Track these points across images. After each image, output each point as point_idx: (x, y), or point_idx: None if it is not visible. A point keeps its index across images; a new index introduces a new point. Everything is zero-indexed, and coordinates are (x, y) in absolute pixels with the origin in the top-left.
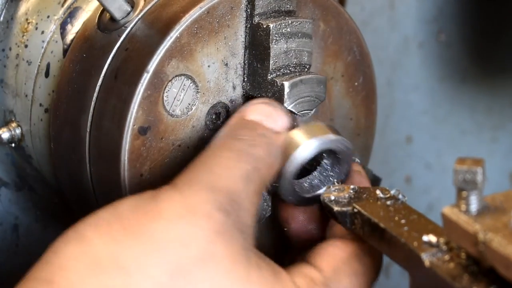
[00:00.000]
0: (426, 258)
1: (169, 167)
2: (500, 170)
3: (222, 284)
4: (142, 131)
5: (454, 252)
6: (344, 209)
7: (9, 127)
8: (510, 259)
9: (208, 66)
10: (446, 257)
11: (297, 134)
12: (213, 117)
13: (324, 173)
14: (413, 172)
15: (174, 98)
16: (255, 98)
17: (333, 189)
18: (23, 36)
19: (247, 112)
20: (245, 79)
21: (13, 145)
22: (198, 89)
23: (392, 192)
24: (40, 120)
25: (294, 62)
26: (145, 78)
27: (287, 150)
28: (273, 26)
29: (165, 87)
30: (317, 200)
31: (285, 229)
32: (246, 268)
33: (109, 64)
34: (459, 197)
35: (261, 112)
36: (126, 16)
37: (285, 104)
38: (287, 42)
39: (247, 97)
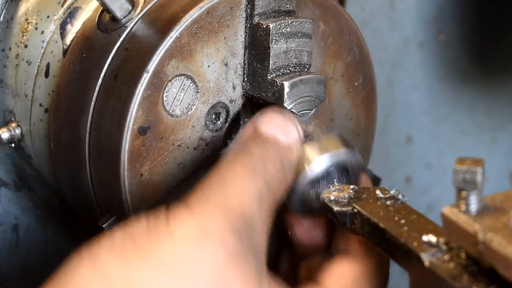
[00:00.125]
0: (426, 258)
1: (169, 167)
2: (500, 170)
3: None
4: (142, 131)
5: (454, 252)
6: (344, 209)
7: (9, 127)
8: (510, 259)
9: (208, 66)
10: (446, 257)
11: (310, 149)
12: (213, 117)
13: (332, 184)
14: (413, 172)
15: (174, 98)
16: (256, 98)
17: (333, 189)
18: (23, 36)
19: (261, 124)
20: (245, 79)
21: (13, 145)
22: (198, 89)
23: (392, 192)
24: (40, 120)
25: (294, 62)
26: (145, 78)
27: (299, 165)
28: (273, 26)
29: (165, 87)
30: (323, 210)
31: (289, 234)
32: None
33: (109, 64)
34: (459, 197)
35: (275, 124)
36: (126, 16)
37: (285, 104)
38: (287, 42)
39: (247, 97)
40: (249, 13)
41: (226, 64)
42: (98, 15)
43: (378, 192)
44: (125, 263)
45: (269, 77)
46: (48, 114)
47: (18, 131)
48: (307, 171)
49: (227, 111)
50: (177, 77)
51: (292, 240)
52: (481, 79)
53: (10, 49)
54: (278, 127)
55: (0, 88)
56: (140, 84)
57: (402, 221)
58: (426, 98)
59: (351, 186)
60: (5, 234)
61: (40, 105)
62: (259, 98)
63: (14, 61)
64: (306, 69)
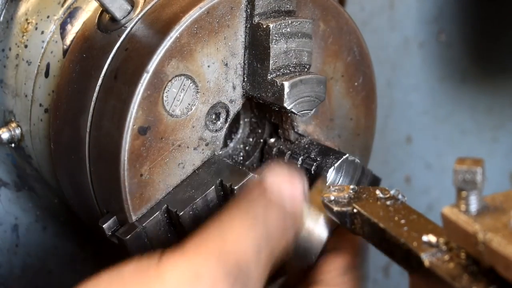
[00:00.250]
0: (426, 258)
1: (169, 167)
2: (500, 170)
3: None
4: (142, 131)
5: (454, 252)
6: (344, 209)
7: (9, 127)
8: (510, 259)
9: (208, 66)
10: (446, 257)
11: (314, 210)
12: (213, 117)
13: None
14: (413, 172)
15: (174, 98)
16: (256, 98)
17: (333, 189)
18: (23, 36)
19: (267, 177)
20: (245, 79)
21: (13, 145)
22: (198, 89)
23: (392, 192)
24: (40, 120)
25: (294, 62)
26: (145, 78)
27: (303, 222)
28: (273, 26)
29: (165, 87)
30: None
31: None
32: None
33: (109, 64)
34: (459, 197)
35: (281, 179)
36: (126, 16)
37: (285, 104)
38: (287, 42)
39: (247, 97)
40: (249, 13)
41: (226, 64)
42: (98, 15)
43: (378, 192)
44: None
45: (269, 77)
46: (48, 114)
47: (18, 131)
48: (310, 230)
49: (227, 111)
50: (177, 77)
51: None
52: (482, 79)
53: (10, 49)
54: (283, 182)
55: (0, 88)
56: (140, 84)
57: (402, 221)
58: (427, 98)
59: (351, 186)
60: (5, 234)
61: (40, 105)
62: (259, 98)
63: (14, 61)
64: (306, 69)
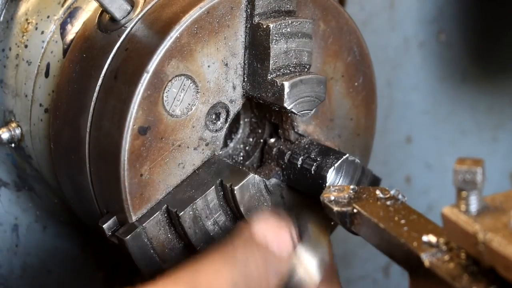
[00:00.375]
0: (426, 258)
1: (169, 167)
2: (500, 170)
3: None
4: (142, 131)
5: (454, 252)
6: (344, 209)
7: (9, 127)
8: (510, 259)
9: (208, 66)
10: (446, 257)
11: (301, 263)
12: (213, 117)
13: None
14: (413, 172)
15: (174, 98)
16: (256, 98)
17: (333, 189)
18: (23, 36)
19: (255, 224)
20: (245, 79)
21: (13, 145)
22: (198, 89)
23: (392, 192)
24: (40, 120)
25: (294, 62)
26: (145, 78)
27: (294, 270)
28: (273, 26)
29: (165, 87)
30: None
31: None
32: None
33: (109, 64)
34: (459, 197)
35: (269, 228)
36: (126, 16)
37: (285, 104)
38: (287, 42)
39: (247, 97)
40: (249, 13)
41: (226, 64)
42: (98, 15)
43: (378, 192)
44: None
45: (269, 77)
46: (48, 114)
47: (18, 131)
48: (302, 277)
49: (227, 111)
50: (177, 77)
51: None
52: (482, 79)
53: (10, 49)
54: (270, 229)
55: (0, 88)
56: (140, 84)
57: (402, 221)
58: (427, 98)
59: (351, 186)
60: (5, 234)
61: (40, 105)
62: (259, 98)
63: (14, 61)
64: (306, 69)
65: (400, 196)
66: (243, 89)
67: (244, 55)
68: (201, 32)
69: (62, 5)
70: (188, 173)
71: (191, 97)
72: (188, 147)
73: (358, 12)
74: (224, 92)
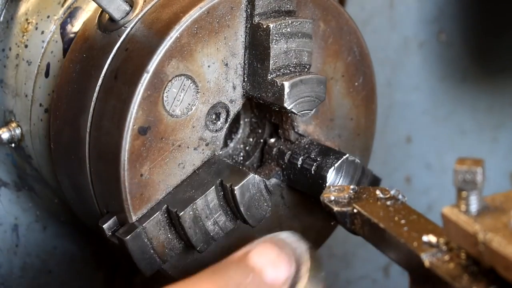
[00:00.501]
0: (426, 258)
1: (169, 167)
2: (500, 170)
3: None
4: (142, 131)
5: (454, 252)
6: (344, 209)
7: (9, 127)
8: (510, 259)
9: (208, 66)
10: (446, 257)
11: None
12: (213, 117)
13: None
14: (413, 172)
15: (174, 98)
16: (256, 98)
17: (333, 189)
18: (23, 36)
19: (253, 252)
20: (245, 79)
21: (13, 145)
22: (198, 89)
23: (392, 192)
24: (40, 120)
25: (294, 62)
26: (145, 78)
27: None
28: (273, 26)
29: (165, 87)
30: None
31: None
32: None
33: (109, 64)
34: (459, 197)
35: (267, 258)
36: (125, 16)
37: (285, 104)
38: (287, 42)
39: (247, 97)
40: (249, 13)
41: (226, 64)
42: (98, 15)
43: (378, 192)
44: None
45: (269, 77)
46: (48, 114)
47: (18, 131)
48: None
49: (227, 111)
50: (177, 77)
51: None
52: (482, 79)
53: (10, 49)
54: (268, 262)
55: (0, 88)
56: (140, 84)
57: (402, 221)
58: (427, 98)
59: (351, 186)
60: (5, 234)
61: (40, 105)
62: (259, 98)
63: (14, 61)
64: (306, 69)
65: (400, 196)
66: (243, 89)
67: (244, 55)
68: (201, 32)
69: (62, 5)
70: (188, 173)
71: (191, 97)
72: (188, 147)
73: (358, 12)
74: (224, 92)
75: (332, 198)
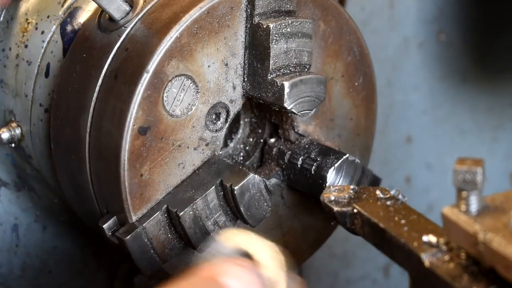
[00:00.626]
0: (426, 258)
1: (169, 167)
2: (500, 170)
3: None
4: (142, 131)
5: (454, 252)
6: (344, 209)
7: (9, 127)
8: (510, 259)
9: (208, 66)
10: (446, 257)
11: None
12: (213, 117)
13: None
14: (413, 172)
15: (174, 98)
16: (256, 98)
17: (333, 189)
18: (23, 36)
19: (222, 273)
20: (245, 79)
21: (13, 145)
22: (198, 89)
23: (392, 192)
24: (40, 120)
25: (294, 62)
26: (145, 78)
27: None
28: (273, 26)
29: (165, 87)
30: None
31: None
32: None
33: (109, 64)
34: (459, 197)
35: (238, 280)
36: (125, 16)
37: (285, 104)
38: (287, 42)
39: (247, 97)
40: (249, 13)
41: (226, 64)
42: (98, 15)
43: (378, 192)
44: None
45: (269, 77)
46: (48, 114)
47: (18, 131)
48: None
49: (227, 111)
50: (177, 77)
51: None
52: (482, 79)
53: (10, 49)
54: (234, 273)
55: (0, 88)
56: (140, 84)
57: (402, 221)
58: (426, 98)
59: (351, 186)
60: (5, 234)
61: (40, 105)
62: (259, 98)
63: (14, 61)
64: (306, 69)
65: (400, 196)
66: (243, 89)
67: (244, 55)
68: (201, 32)
69: (62, 5)
70: (188, 173)
71: (191, 97)
72: (188, 147)
73: (358, 12)
74: (224, 92)
75: (332, 198)
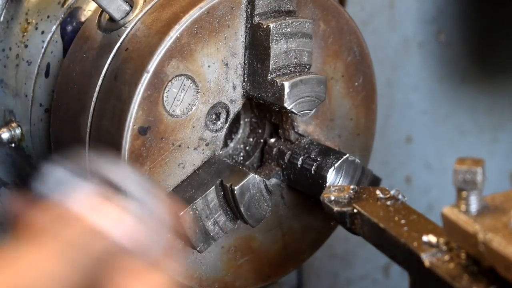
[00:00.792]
0: (426, 258)
1: (169, 167)
2: (500, 170)
3: None
4: (142, 131)
5: (454, 252)
6: (344, 209)
7: (9, 127)
8: (510, 259)
9: (208, 66)
10: (446, 257)
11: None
12: (213, 117)
13: None
14: (413, 172)
15: (174, 98)
16: (256, 98)
17: (333, 189)
18: (23, 36)
19: (71, 201)
20: (245, 79)
21: (13, 145)
22: (198, 89)
23: (392, 192)
24: (40, 120)
25: (294, 62)
26: (145, 78)
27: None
28: (273, 26)
29: (165, 87)
30: None
31: None
32: None
33: (109, 64)
34: (459, 197)
35: (105, 216)
36: (125, 16)
37: (285, 104)
38: (287, 42)
39: (247, 97)
40: (249, 13)
41: (227, 64)
42: (98, 15)
43: (378, 192)
44: None
45: (269, 77)
46: (48, 114)
47: (18, 131)
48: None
49: (227, 111)
50: (177, 77)
51: None
52: (481, 79)
53: (10, 49)
54: (90, 204)
55: (0, 88)
56: (140, 84)
57: (402, 221)
58: (426, 98)
59: (351, 186)
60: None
61: (40, 105)
62: (259, 98)
63: (14, 61)
64: (306, 69)
65: (400, 196)
66: (243, 89)
67: (244, 55)
68: (201, 32)
69: (62, 5)
70: (188, 173)
71: (191, 97)
72: (188, 147)
73: (358, 12)
74: (224, 92)
75: (332, 198)
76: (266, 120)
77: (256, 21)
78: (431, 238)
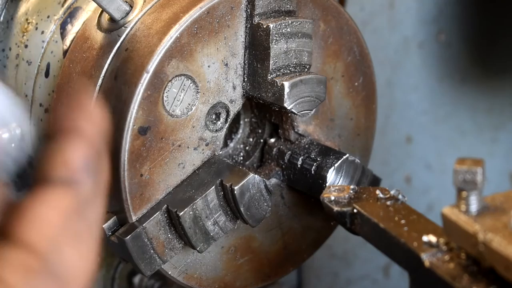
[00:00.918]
0: (426, 258)
1: (169, 167)
2: (500, 170)
3: None
4: (142, 131)
5: (454, 252)
6: (344, 209)
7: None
8: (510, 259)
9: (208, 66)
10: (446, 257)
11: None
12: (213, 117)
13: None
14: (413, 172)
15: (174, 98)
16: (256, 98)
17: (333, 189)
18: (23, 36)
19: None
20: (245, 79)
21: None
22: (198, 89)
23: (392, 192)
24: (40, 120)
25: (294, 62)
26: (145, 78)
27: None
28: (273, 26)
29: (165, 87)
30: None
31: None
32: None
33: (109, 64)
34: (459, 197)
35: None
36: (125, 17)
37: (285, 104)
38: (287, 42)
39: (247, 97)
40: (249, 13)
41: (226, 64)
42: (98, 15)
43: (378, 192)
44: None
45: (269, 77)
46: (48, 114)
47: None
48: None
49: (227, 111)
50: (177, 77)
51: None
52: (482, 79)
53: (10, 49)
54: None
55: None
56: (140, 84)
57: (402, 221)
58: (426, 98)
59: (351, 186)
60: None
61: (40, 105)
62: (259, 98)
63: (14, 61)
64: (306, 69)
65: (400, 196)
66: (243, 89)
67: (244, 55)
68: (201, 32)
69: (62, 5)
70: (188, 173)
71: (191, 97)
72: (188, 147)
73: (358, 12)
74: (224, 92)
75: (332, 198)
76: (266, 120)
77: (256, 21)
78: (431, 238)
